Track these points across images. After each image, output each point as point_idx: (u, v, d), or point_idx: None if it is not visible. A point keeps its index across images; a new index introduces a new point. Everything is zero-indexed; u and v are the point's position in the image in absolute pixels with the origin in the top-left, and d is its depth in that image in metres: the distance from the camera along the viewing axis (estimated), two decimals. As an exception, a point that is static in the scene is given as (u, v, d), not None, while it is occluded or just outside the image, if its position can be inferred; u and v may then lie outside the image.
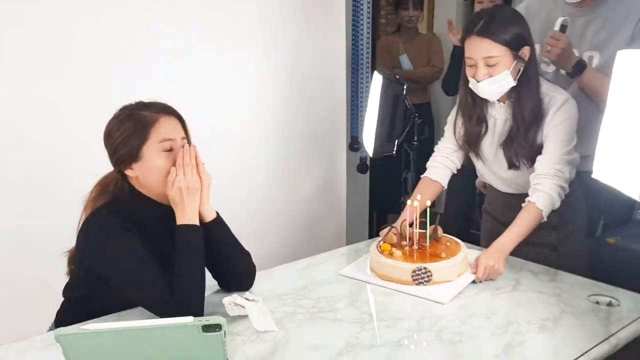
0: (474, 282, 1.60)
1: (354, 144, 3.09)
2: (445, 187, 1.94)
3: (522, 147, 1.75)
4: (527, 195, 1.78)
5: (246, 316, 1.38)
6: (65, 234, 1.49)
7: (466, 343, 1.31)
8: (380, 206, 3.54)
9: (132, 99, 1.48)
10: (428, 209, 1.69)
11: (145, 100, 1.48)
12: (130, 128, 1.40)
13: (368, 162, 3.14)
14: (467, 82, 1.74)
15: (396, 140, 2.25)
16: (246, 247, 1.64)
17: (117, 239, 1.36)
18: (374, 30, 3.12)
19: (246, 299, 1.41)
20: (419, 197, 1.74)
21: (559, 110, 1.71)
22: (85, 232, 1.41)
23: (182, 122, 1.48)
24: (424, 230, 1.68)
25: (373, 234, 3.24)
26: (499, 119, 1.80)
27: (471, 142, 1.86)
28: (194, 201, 1.41)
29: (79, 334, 1.03)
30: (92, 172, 1.51)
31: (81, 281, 1.45)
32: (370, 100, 2.43)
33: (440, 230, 1.71)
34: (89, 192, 1.49)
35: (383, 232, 1.76)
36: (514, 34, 1.65)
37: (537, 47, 1.89)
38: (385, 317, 1.45)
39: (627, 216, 2.70)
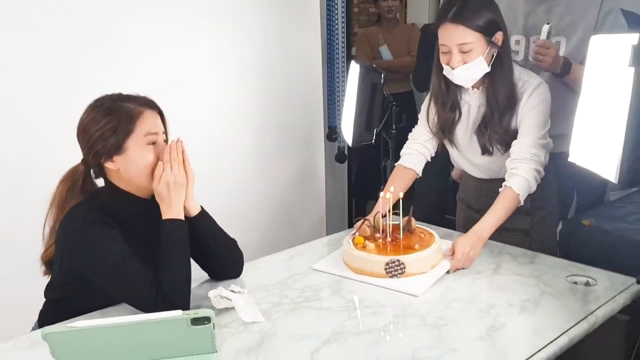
0: (447, 272, 1.59)
1: (332, 134, 3.10)
2: (420, 174, 1.93)
3: (496, 132, 1.76)
4: (501, 180, 1.80)
5: (233, 308, 1.39)
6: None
7: (450, 327, 1.34)
8: (360, 195, 3.57)
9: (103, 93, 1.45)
10: (401, 201, 1.68)
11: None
12: (115, 120, 1.37)
13: (346, 152, 3.15)
14: (441, 69, 1.73)
15: (375, 129, 2.26)
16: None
17: (98, 236, 1.35)
18: (349, 19, 3.12)
19: (232, 291, 1.41)
20: (392, 188, 1.73)
21: (532, 94, 1.72)
22: (64, 230, 1.38)
23: (162, 116, 1.46)
24: (397, 222, 1.67)
25: (353, 223, 3.26)
26: (472, 105, 1.80)
27: (445, 129, 1.86)
28: (181, 196, 1.40)
29: (67, 332, 1.02)
30: (57, 168, 1.48)
31: (63, 281, 1.43)
32: (348, 90, 2.43)
33: (413, 222, 1.70)
34: (55, 188, 1.45)
35: (357, 225, 1.74)
36: (487, 19, 1.64)
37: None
38: (371, 304, 1.46)
39: (599, 198, 2.77)
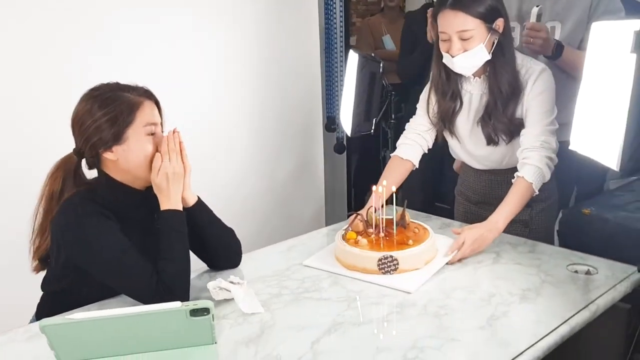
0: (448, 263, 1.57)
1: (331, 124, 3.09)
2: (417, 165, 1.89)
3: (501, 121, 1.73)
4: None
5: (232, 299, 1.38)
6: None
7: (451, 316, 1.33)
8: (359, 185, 3.56)
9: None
10: (394, 195, 1.65)
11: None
12: (115, 110, 1.35)
13: (345, 142, 3.14)
14: (441, 57, 1.70)
15: (374, 119, 2.24)
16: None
17: (95, 228, 1.33)
18: (347, 9, 3.10)
19: (231, 282, 1.41)
20: (384, 182, 1.70)
21: (537, 81, 1.69)
22: (60, 223, 1.36)
23: (159, 107, 1.45)
24: (391, 217, 1.63)
25: (347, 217, 3.26)
26: (474, 94, 1.77)
27: (445, 119, 1.83)
28: (179, 187, 1.40)
29: (65, 324, 1.01)
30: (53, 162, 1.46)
31: (60, 273, 1.42)
32: (347, 79, 2.42)
33: (407, 217, 1.66)
34: (46, 180, 1.42)
35: (350, 220, 1.70)
36: (487, 6, 1.61)
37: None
38: (371, 295, 1.46)
39: (599, 187, 2.76)
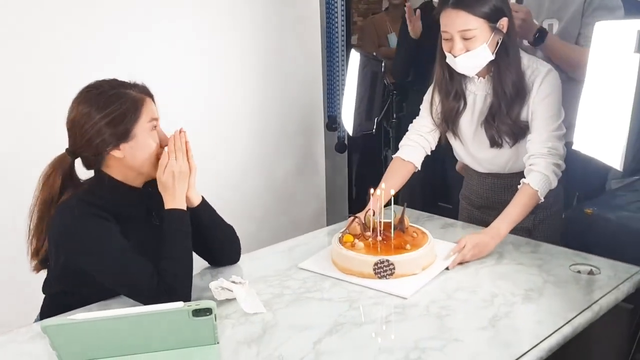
0: (447, 268, 1.54)
1: (332, 123, 3.08)
2: (419, 167, 1.85)
3: (505, 123, 1.69)
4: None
5: (234, 299, 1.38)
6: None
7: (453, 316, 1.33)
8: (361, 185, 3.56)
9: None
10: (392, 198, 1.61)
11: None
12: (122, 107, 1.34)
13: (346, 142, 3.13)
14: (444, 57, 1.67)
15: (375, 119, 2.24)
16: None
17: (94, 231, 1.32)
18: (348, 8, 3.10)
19: (233, 282, 1.40)
20: (383, 185, 1.67)
21: (542, 84, 1.65)
22: (59, 226, 1.35)
23: (154, 103, 1.45)
24: (390, 221, 1.59)
25: (353, 212, 3.26)
26: (478, 95, 1.74)
27: (449, 120, 1.79)
28: (184, 186, 1.40)
29: (67, 324, 1.01)
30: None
31: (60, 275, 1.40)
32: (348, 79, 2.41)
33: (407, 221, 1.63)
34: (40, 182, 1.39)
35: (348, 223, 1.67)
36: (490, 5, 1.58)
37: None
38: (372, 295, 1.45)
39: (601, 186, 2.76)
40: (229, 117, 2.64)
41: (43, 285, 1.46)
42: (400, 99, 2.25)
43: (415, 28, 2.39)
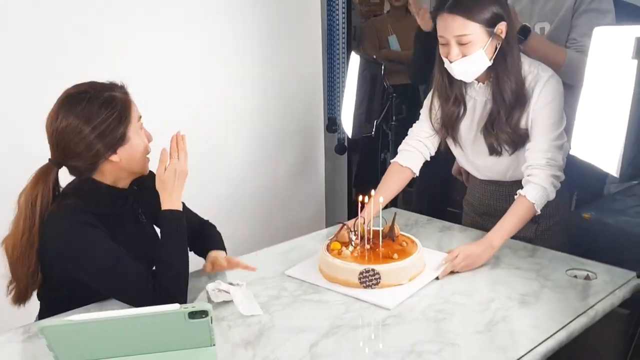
0: (437, 278, 1.52)
1: (332, 125, 3.08)
2: (417, 173, 1.82)
3: (504, 131, 1.65)
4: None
5: (231, 301, 1.38)
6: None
7: (450, 320, 1.33)
8: (361, 186, 3.56)
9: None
10: (380, 207, 1.58)
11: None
12: (115, 110, 1.33)
13: (346, 143, 3.14)
14: (442, 62, 1.63)
15: (375, 121, 2.24)
16: (224, 230, 1.67)
17: (85, 240, 1.31)
18: (349, 10, 3.10)
19: (230, 283, 1.41)
20: (372, 192, 1.65)
21: (543, 90, 1.60)
22: (52, 238, 1.33)
23: None
24: (380, 229, 1.55)
25: (353, 214, 3.26)
26: (478, 100, 1.70)
27: (448, 125, 1.76)
28: (182, 186, 1.40)
29: (63, 325, 1.01)
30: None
31: (56, 285, 1.39)
32: (348, 81, 2.42)
33: (397, 229, 1.59)
34: (24, 193, 1.34)
35: (337, 230, 1.63)
36: (488, 10, 1.53)
37: None
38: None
39: (599, 191, 2.76)
40: (229, 117, 2.64)
41: (38, 293, 1.43)
42: (400, 101, 2.25)
43: (424, 20, 2.34)
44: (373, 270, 1.44)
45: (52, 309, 1.40)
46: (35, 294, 1.42)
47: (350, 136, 2.49)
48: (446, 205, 3.02)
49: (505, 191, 1.81)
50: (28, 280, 1.36)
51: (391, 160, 1.87)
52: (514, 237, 1.69)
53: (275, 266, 1.63)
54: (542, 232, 1.78)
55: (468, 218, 1.98)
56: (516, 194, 1.62)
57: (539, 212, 1.61)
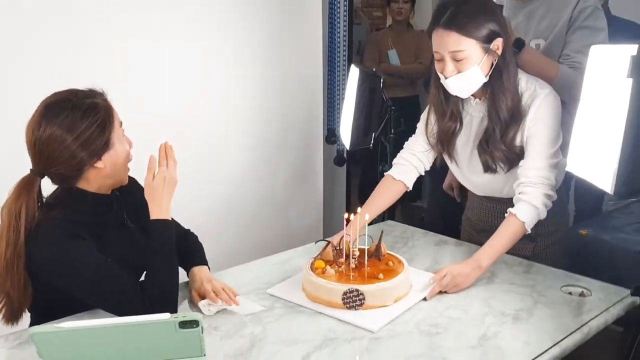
0: (424, 299, 1.48)
1: (331, 136, 3.09)
2: (410, 188, 1.80)
3: (499, 149, 1.62)
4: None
5: (225, 309, 1.38)
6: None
7: (443, 335, 1.33)
8: (364, 198, 3.56)
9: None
10: (366, 224, 1.56)
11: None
12: (98, 117, 1.32)
13: (345, 155, 3.14)
14: (438, 77, 1.61)
15: (373, 133, 2.24)
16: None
17: (75, 254, 1.30)
18: (350, 23, 3.12)
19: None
20: (359, 209, 1.63)
21: (540, 107, 1.58)
22: (40, 252, 1.30)
23: None
24: (369, 246, 1.53)
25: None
26: (475, 116, 1.68)
27: (444, 141, 1.74)
28: (171, 195, 1.39)
29: (54, 332, 1.01)
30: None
31: (45, 297, 1.37)
32: (347, 93, 2.43)
33: (383, 248, 1.55)
34: (6, 207, 1.31)
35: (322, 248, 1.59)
36: (483, 26, 1.50)
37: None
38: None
39: (597, 207, 2.76)
40: (229, 126, 2.65)
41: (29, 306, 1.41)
42: (399, 114, 2.25)
43: None
44: (357, 290, 1.40)
45: (43, 319, 1.37)
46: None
47: (348, 148, 2.50)
48: (459, 224, 2.98)
49: (503, 209, 1.75)
50: (20, 295, 1.33)
51: (385, 173, 1.85)
52: (510, 254, 1.68)
53: (269, 277, 1.63)
54: (540, 250, 1.77)
55: (466, 234, 1.97)
56: (505, 205, 1.60)
57: (529, 231, 1.58)
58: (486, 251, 1.56)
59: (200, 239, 1.66)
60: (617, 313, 1.44)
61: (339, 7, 2.99)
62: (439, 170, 1.93)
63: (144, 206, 1.38)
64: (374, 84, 2.24)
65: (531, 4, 1.88)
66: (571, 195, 2.44)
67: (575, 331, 1.34)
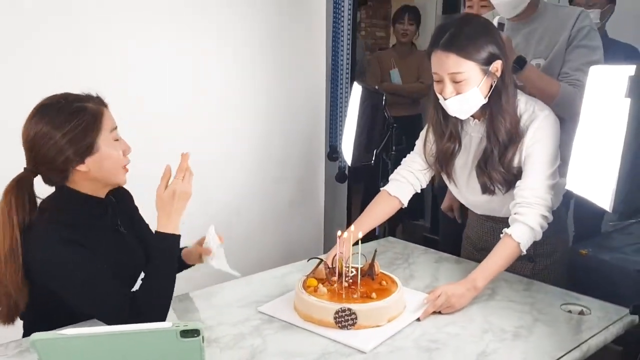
0: (418, 319, 1.46)
1: (333, 153, 3.11)
2: (405, 205, 1.80)
3: (497, 170, 1.61)
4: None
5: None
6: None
7: (442, 350, 1.33)
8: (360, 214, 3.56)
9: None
10: (359, 241, 1.55)
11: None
12: (83, 121, 1.33)
13: (347, 172, 3.16)
14: (437, 98, 1.60)
15: (374, 150, 2.26)
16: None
17: (68, 259, 1.31)
18: (354, 42, 3.16)
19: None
20: (352, 227, 1.62)
21: (539, 128, 1.58)
22: (34, 256, 1.32)
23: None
24: (359, 266, 1.50)
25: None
26: (474, 136, 1.68)
27: (443, 161, 1.73)
28: (182, 208, 1.36)
29: (56, 339, 1.01)
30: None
31: (40, 300, 1.37)
32: (350, 110, 2.45)
33: (377, 267, 1.53)
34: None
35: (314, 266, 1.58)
36: (483, 48, 1.50)
37: None
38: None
39: (596, 227, 2.77)
40: (231, 141, 2.67)
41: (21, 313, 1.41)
42: (400, 132, 2.27)
43: None
44: (349, 309, 1.38)
45: (36, 326, 1.36)
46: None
47: (350, 164, 2.52)
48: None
49: (503, 228, 1.72)
50: (17, 291, 1.33)
51: (381, 188, 1.85)
52: (510, 272, 1.68)
53: (270, 290, 1.63)
54: (539, 270, 1.76)
55: (466, 252, 1.97)
56: (502, 232, 1.59)
57: (524, 252, 1.57)
58: (482, 272, 1.55)
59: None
60: (616, 332, 1.44)
61: (342, 27, 3.03)
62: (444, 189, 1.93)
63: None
64: (376, 101, 2.27)
65: (529, 26, 1.91)
66: (570, 215, 2.45)
67: (574, 349, 1.34)
